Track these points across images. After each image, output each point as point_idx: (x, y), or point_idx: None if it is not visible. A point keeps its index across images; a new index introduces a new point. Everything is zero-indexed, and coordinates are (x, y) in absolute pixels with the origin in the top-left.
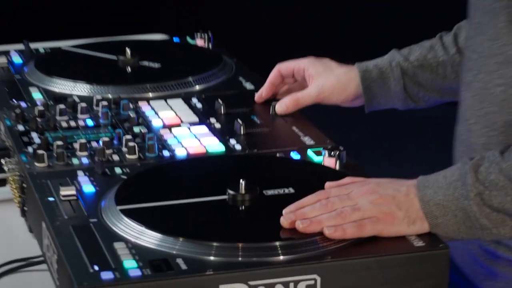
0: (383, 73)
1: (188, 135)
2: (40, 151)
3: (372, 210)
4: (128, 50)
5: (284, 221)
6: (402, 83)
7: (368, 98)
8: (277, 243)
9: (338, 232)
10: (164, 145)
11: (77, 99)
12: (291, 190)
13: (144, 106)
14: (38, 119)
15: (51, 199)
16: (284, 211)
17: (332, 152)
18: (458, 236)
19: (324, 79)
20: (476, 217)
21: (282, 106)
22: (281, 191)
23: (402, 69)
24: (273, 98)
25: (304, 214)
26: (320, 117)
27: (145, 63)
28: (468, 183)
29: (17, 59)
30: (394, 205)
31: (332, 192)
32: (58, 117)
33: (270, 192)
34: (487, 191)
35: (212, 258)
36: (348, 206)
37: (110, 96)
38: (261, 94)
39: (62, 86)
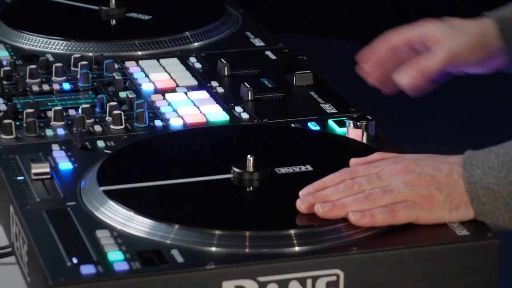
0: None
1: (185, 102)
2: (6, 121)
3: (407, 192)
4: None
5: (301, 204)
6: None
7: (510, 55)
8: (292, 232)
9: (366, 218)
10: (156, 113)
11: (51, 58)
12: (309, 167)
13: (132, 67)
14: (4, 82)
15: (20, 178)
16: (301, 193)
17: (359, 122)
18: (509, 226)
19: (454, 38)
20: None
21: (407, 77)
22: (296, 168)
23: None
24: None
25: (325, 196)
26: (344, 80)
27: (133, 14)
28: None
29: None
30: (433, 186)
31: (359, 171)
32: (28, 80)
33: (283, 170)
34: None
35: (213, 249)
36: (378, 188)
37: (90, 54)
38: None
39: (33, 42)
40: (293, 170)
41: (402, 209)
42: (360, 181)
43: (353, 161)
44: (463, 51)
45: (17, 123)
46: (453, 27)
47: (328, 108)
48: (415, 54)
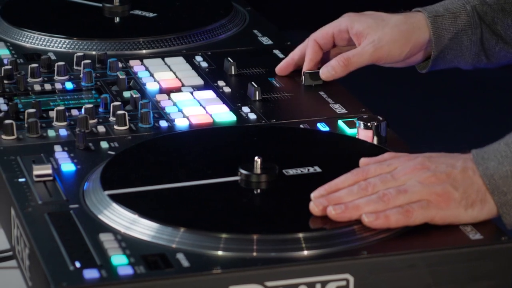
0: (456, 18)
1: (190, 102)
2: (7, 121)
3: (422, 191)
4: None
5: (315, 207)
6: (479, 32)
7: (437, 51)
8: (301, 235)
9: (380, 220)
10: (161, 114)
11: (53, 57)
12: (317, 169)
13: (136, 66)
14: (5, 82)
15: (21, 180)
16: (313, 195)
17: (369, 123)
18: None
19: (380, 32)
20: None
21: (329, 70)
22: (305, 170)
23: (479, 15)
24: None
25: (339, 198)
26: (354, 80)
27: (138, 12)
28: None
29: None
30: (449, 184)
31: (371, 171)
32: (29, 79)
33: (291, 171)
34: None
35: (220, 253)
36: (393, 188)
37: (94, 53)
38: (286, 67)
39: (35, 40)
40: (302, 172)
41: (417, 209)
42: (374, 182)
43: (363, 160)
44: (388, 44)
45: (19, 123)
46: (377, 20)
47: (338, 108)
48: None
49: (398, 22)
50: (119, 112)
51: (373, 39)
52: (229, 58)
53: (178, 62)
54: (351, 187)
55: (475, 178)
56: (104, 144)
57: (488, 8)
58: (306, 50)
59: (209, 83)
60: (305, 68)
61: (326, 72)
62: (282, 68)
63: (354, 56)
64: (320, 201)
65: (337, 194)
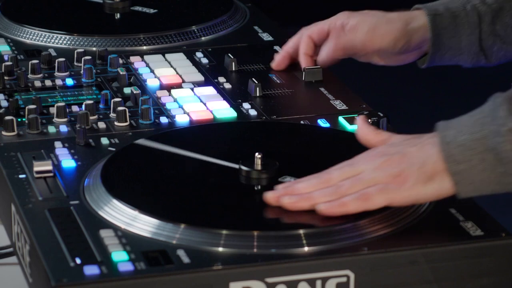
0: (456, 18)
1: (191, 98)
2: (8, 117)
3: (377, 177)
4: None
5: (271, 194)
6: (478, 32)
7: (434, 50)
8: (301, 231)
9: (335, 207)
10: (161, 110)
11: (53, 53)
12: (318, 166)
13: (136, 62)
14: (6, 78)
15: (22, 176)
16: (276, 187)
17: (369, 119)
18: (487, 188)
19: (374, 20)
20: (510, 159)
21: (325, 54)
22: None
23: (478, 14)
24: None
25: (295, 189)
26: (354, 76)
27: (138, 8)
28: (500, 117)
29: None
30: (405, 163)
31: (334, 168)
32: (30, 75)
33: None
34: None
35: (220, 249)
36: (348, 179)
37: (94, 49)
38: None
39: (35, 36)
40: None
41: (374, 192)
42: (331, 173)
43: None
44: (381, 28)
45: (19, 119)
46: (372, 14)
47: (338, 104)
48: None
49: (393, 18)
50: (120, 108)
51: (368, 26)
52: (229, 54)
53: (179, 58)
54: (310, 180)
55: (433, 151)
56: (104, 140)
57: (488, 7)
58: (300, 45)
59: (209, 79)
60: (301, 64)
61: (324, 55)
62: (278, 62)
63: (350, 41)
64: (276, 191)
65: (295, 186)
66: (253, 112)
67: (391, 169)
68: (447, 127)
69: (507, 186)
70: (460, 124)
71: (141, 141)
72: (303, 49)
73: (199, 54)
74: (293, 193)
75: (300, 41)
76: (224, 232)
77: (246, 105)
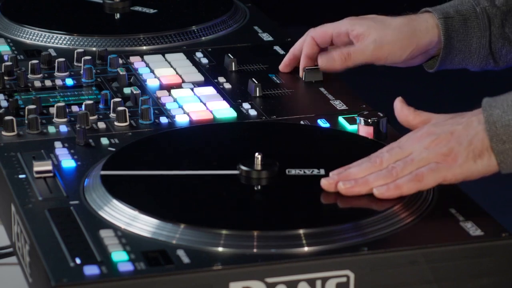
0: (466, 21)
1: (191, 98)
2: (8, 117)
3: (429, 156)
4: None
5: (325, 181)
6: (488, 35)
7: (445, 54)
8: (301, 231)
9: (391, 190)
10: (161, 110)
11: (53, 53)
12: (322, 171)
13: (136, 62)
14: (6, 78)
15: (22, 176)
16: (330, 173)
17: (370, 119)
18: None
19: (381, 32)
20: None
21: (328, 60)
22: (308, 171)
23: (488, 17)
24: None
25: (349, 174)
26: (354, 76)
27: (138, 8)
28: None
29: None
30: (454, 141)
31: (383, 150)
32: (30, 75)
33: (293, 171)
34: None
35: (220, 249)
36: (400, 161)
37: (94, 49)
38: (289, 63)
39: (35, 36)
40: (305, 172)
41: (426, 172)
42: (382, 155)
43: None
44: (388, 43)
45: (19, 119)
46: (379, 22)
47: (338, 104)
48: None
49: (400, 24)
50: (120, 108)
51: (375, 38)
52: (229, 54)
53: (179, 58)
54: (361, 163)
55: (480, 128)
56: (104, 141)
57: (497, 10)
58: (303, 46)
59: (209, 79)
60: (301, 65)
61: (326, 61)
62: (285, 65)
63: (355, 53)
64: (331, 177)
65: (348, 171)
66: (253, 112)
67: (440, 148)
68: (492, 105)
69: None
70: (506, 103)
71: (141, 141)
72: (305, 51)
73: (199, 54)
74: (347, 178)
75: (304, 43)
76: (224, 232)
77: (246, 105)
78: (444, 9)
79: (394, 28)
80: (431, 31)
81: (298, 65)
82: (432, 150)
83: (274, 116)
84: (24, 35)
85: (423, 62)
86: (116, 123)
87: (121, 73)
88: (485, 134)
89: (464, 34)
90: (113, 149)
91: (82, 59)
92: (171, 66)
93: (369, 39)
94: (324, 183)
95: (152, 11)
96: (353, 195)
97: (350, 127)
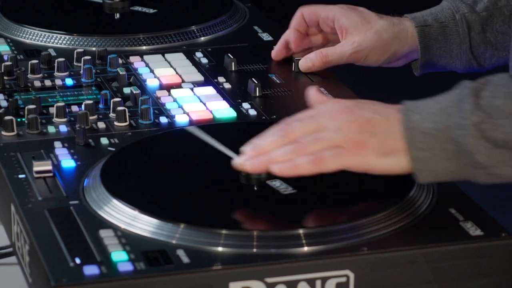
0: (445, 28)
1: (191, 98)
2: (7, 117)
3: (338, 138)
4: None
5: (236, 160)
6: (468, 41)
7: (424, 59)
8: (301, 231)
9: (290, 170)
10: (161, 110)
11: (53, 53)
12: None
13: (136, 62)
14: (5, 78)
15: (21, 176)
16: (244, 149)
17: None
18: (446, 176)
19: (362, 35)
20: (471, 152)
21: (307, 62)
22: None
23: (468, 24)
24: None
25: (259, 147)
26: (354, 76)
27: (138, 8)
28: (466, 110)
29: None
30: (368, 131)
31: (297, 118)
32: (29, 75)
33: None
34: (490, 119)
35: (220, 249)
36: (309, 136)
37: (94, 49)
38: (281, 50)
39: (35, 36)
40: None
41: (328, 157)
42: (294, 124)
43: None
44: (366, 50)
45: (19, 119)
46: (364, 21)
47: None
48: (318, 31)
49: (382, 29)
50: (119, 108)
51: (354, 41)
52: (229, 54)
53: (178, 58)
54: (272, 135)
55: (397, 128)
56: (104, 140)
57: (477, 16)
58: (292, 21)
59: (209, 79)
60: (288, 36)
61: (304, 64)
62: (277, 52)
63: (333, 55)
64: (247, 153)
65: (258, 144)
66: (253, 112)
67: (352, 133)
68: (412, 110)
69: (466, 176)
70: (426, 110)
71: (141, 141)
72: (294, 24)
73: (198, 54)
74: (258, 153)
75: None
76: (224, 232)
77: (246, 105)
78: (423, 17)
79: (375, 32)
80: (410, 40)
81: (291, 55)
82: (343, 133)
83: (274, 116)
84: (24, 35)
85: (405, 64)
86: (116, 123)
87: (121, 73)
88: (401, 135)
89: (444, 42)
90: (113, 149)
91: (82, 59)
92: (171, 66)
93: (349, 40)
94: (236, 162)
95: (151, 11)
96: (259, 172)
97: None
